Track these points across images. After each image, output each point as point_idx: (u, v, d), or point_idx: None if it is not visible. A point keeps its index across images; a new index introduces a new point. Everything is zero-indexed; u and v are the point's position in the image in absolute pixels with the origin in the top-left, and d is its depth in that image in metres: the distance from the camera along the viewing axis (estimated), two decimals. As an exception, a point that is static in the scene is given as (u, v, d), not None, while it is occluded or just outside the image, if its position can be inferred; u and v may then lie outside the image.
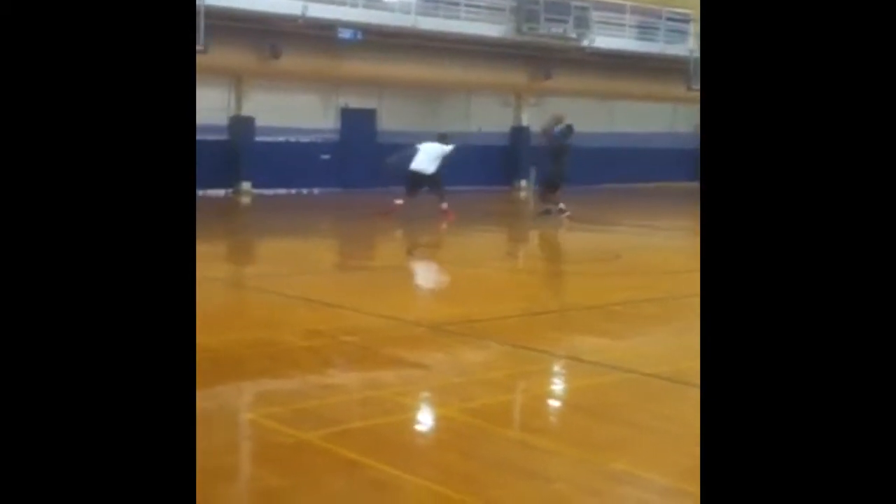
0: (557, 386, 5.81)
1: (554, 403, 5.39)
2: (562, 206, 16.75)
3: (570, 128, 17.33)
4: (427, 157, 16.51)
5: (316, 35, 20.32)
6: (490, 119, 26.21)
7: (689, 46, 25.55)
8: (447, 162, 16.58)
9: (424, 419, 4.96)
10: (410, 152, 16.73)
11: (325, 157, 23.43)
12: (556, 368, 6.14)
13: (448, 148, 16.61)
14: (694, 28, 26.07)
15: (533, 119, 26.82)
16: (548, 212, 16.82)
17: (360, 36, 20.49)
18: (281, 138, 22.84)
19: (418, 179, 16.46)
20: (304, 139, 23.31)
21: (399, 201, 16.32)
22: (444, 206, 16.13)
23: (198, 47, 16.78)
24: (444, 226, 15.57)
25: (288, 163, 22.63)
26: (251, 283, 9.91)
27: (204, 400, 5.04)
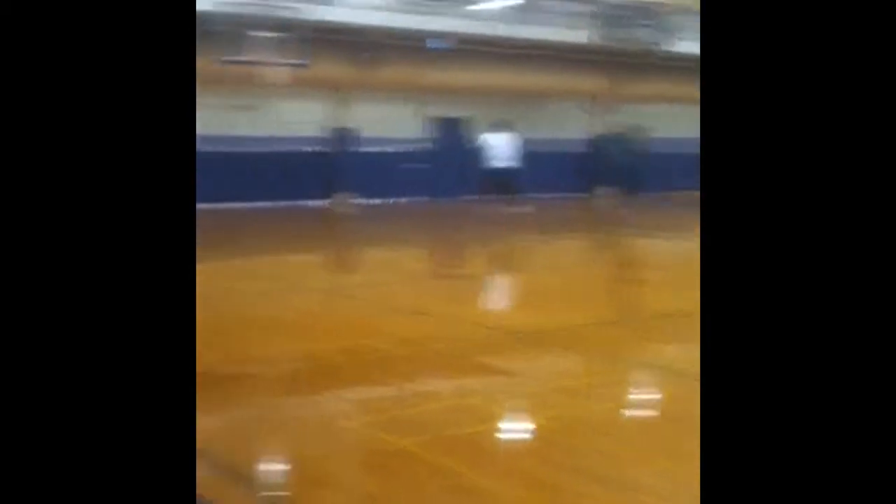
0: (644, 395, 5.88)
1: (640, 413, 5.47)
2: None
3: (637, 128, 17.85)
4: (504, 150, 16.16)
5: (407, 46, 20.63)
6: (575, 124, 26.09)
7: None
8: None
9: (515, 428, 5.11)
10: (485, 153, 16.32)
11: (420, 166, 23.68)
12: (643, 378, 6.22)
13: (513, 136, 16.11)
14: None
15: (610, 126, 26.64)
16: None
17: (450, 45, 20.73)
18: (378, 148, 23.19)
19: (502, 176, 16.12)
20: (401, 149, 23.61)
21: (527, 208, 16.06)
22: (523, 208, 15.87)
23: (301, 61, 17.30)
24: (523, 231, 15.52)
25: (385, 173, 22.96)
26: (347, 292, 10.19)
27: (303, 408, 5.30)
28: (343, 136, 22.21)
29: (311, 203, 21.16)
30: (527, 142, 18.06)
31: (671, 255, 13.85)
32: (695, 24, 24.97)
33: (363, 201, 22.21)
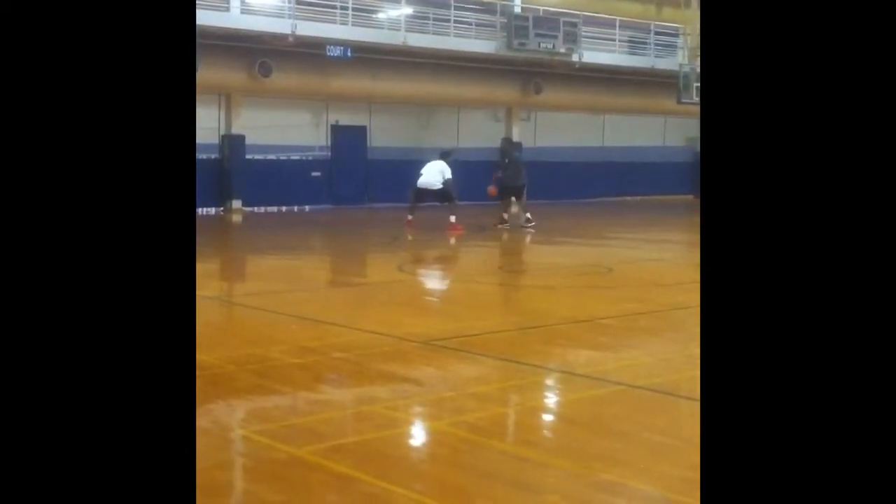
0: (550, 399, 5.82)
1: (546, 416, 5.40)
2: (504, 216, 18.46)
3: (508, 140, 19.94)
4: (431, 173, 17.50)
5: (306, 53, 20.41)
6: (481, 134, 26.29)
7: (678, 60, 25.71)
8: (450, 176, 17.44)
9: (417, 433, 4.96)
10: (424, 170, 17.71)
11: (316, 174, 23.47)
12: (549, 382, 6.15)
13: (446, 168, 17.52)
14: (683, 41, 26.25)
15: (524, 134, 26.94)
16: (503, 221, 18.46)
17: (349, 54, 20.58)
18: (272, 156, 22.87)
19: (424, 194, 17.57)
20: (295, 156, 23.35)
21: (410, 217, 17.49)
22: (453, 219, 17.07)
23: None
24: (452, 239, 16.34)
25: (279, 180, 22.67)
26: (242, 301, 9.91)
27: (196, 417, 5.04)
28: (235, 143, 21.83)
29: (202, 211, 20.70)
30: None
31: (587, 261, 13.92)
32: (600, 33, 25.60)
33: (259, 209, 21.85)
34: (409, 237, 16.66)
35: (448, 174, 17.42)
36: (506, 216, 18.44)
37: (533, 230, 17.86)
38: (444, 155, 17.89)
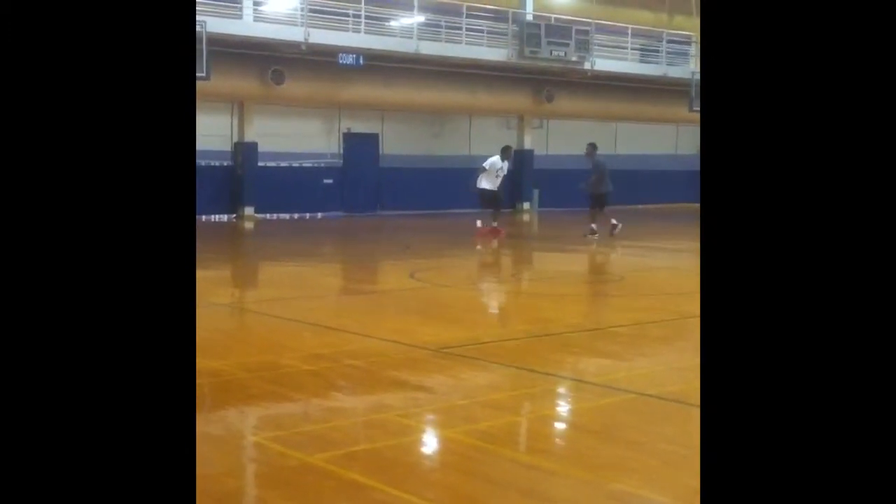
0: (561, 407, 5.82)
1: (558, 425, 5.39)
2: (593, 226, 17.88)
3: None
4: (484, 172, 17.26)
5: (318, 61, 20.47)
6: (493, 142, 26.29)
7: (690, 68, 25.69)
8: (495, 177, 17.18)
9: (428, 441, 4.97)
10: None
11: (328, 181, 23.52)
12: (560, 390, 6.15)
13: (489, 162, 17.23)
14: (695, 49, 26.24)
15: (536, 142, 26.93)
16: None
17: (361, 61, 20.64)
18: (284, 163, 22.93)
19: (482, 195, 17.38)
20: (307, 164, 23.42)
21: (494, 224, 17.22)
22: (479, 223, 17.19)
23: (200, 74, 16.93)
24: (494, 243, 16.45)
25: (291, 188, 22.73)
26: (254, 308, 9.93)
27: (208, 424, 5.06)
28: (248, 150, 21.89)
29: (214, 218, 20.77)
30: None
31: (599, 269, 13.90)
32: (612, 41, 25.56)
33: (270, 216, 21.90)
34: (495, 243, 16.52)
35: (488, 164, 17.08)
36: (594, 226, 17.80)
37: (597, 239, 17.45)
38: (502, 150, 17.63)
